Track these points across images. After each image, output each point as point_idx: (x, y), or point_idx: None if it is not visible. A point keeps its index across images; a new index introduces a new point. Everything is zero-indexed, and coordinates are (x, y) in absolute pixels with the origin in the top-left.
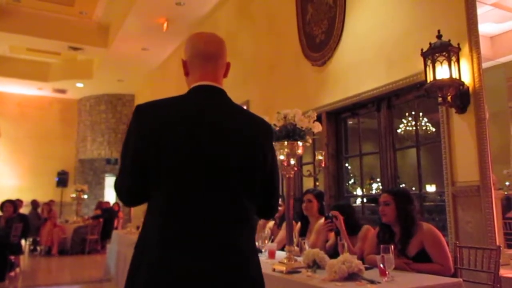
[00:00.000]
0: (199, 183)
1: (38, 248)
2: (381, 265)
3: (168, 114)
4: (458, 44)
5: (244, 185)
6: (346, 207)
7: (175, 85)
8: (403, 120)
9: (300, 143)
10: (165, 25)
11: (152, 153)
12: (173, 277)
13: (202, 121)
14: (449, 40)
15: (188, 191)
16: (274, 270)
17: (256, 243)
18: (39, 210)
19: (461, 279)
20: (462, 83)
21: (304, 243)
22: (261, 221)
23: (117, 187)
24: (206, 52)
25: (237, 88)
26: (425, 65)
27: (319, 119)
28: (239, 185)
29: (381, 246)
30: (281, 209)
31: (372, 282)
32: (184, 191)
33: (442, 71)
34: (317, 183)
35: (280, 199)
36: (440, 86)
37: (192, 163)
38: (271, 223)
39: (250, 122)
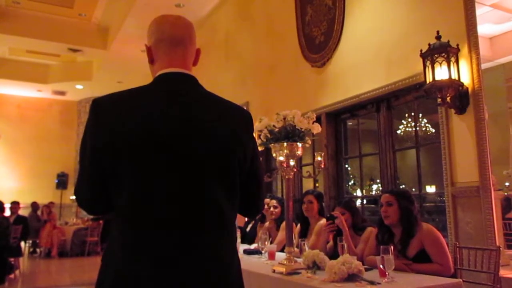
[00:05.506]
0: (165, 185)
1: (38, 250)
2: (381, 266)
3: (129, 107)
4: (457, 45)
5: (221, 184)
6: (352, 203)
7: None
8: (403, 121)
9: (299, 144)
10: None
11: (111, 153)
12: None
13: (169, 114)
14: (448, 41)
15: (153, 195)
16: (274, 271)
17: (256, 245)
18: (39, 212)
19: (461, 280)
20: (462, 84)
21: (304, 244)
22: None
23: (76, 193)
24: (174, 36)
25: (236, 89)
26: (424, 66)
27: (318, 120)
28: (214, 185)
29: (381, 247)
30: (277, 211)
31: (371, 283)
32: (149, 195)
33: (441, 72)
34: (317, 184)
35: (276, 201)
36: (440, 87)
37: (157, 163)
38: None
39: (226, 112)
